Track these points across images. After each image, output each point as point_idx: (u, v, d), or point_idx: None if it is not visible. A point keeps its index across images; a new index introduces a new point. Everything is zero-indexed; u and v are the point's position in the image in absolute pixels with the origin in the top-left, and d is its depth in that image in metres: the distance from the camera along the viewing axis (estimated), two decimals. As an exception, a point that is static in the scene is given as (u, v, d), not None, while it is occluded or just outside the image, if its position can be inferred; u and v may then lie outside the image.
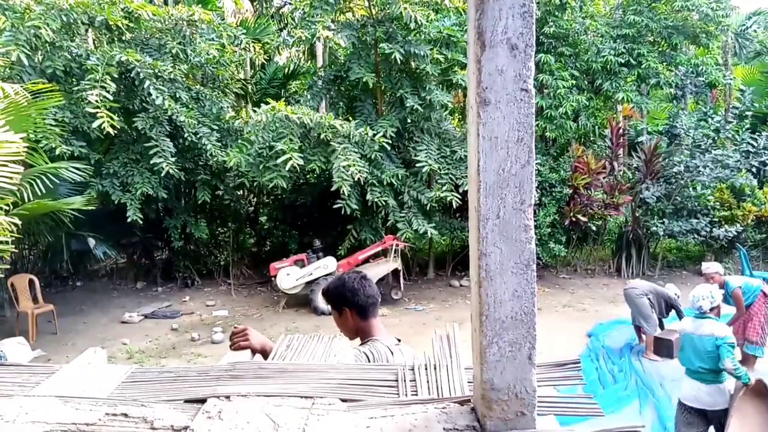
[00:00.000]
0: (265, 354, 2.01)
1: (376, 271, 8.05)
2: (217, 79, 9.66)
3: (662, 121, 13.15)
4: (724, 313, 6.35)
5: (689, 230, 9.68)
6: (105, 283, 10.18)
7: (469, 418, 1.27)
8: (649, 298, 6.35)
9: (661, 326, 6.55)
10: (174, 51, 8.37)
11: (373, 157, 8.05)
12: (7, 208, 5.21)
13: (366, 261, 8.55)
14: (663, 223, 9.77)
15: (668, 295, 6.53)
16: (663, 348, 6.27)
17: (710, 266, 5.81)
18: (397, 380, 1.51)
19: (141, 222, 8.09)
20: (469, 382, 1.44)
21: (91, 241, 8.31)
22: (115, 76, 7.33)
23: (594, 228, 10.10)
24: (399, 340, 2.08)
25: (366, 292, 2.02)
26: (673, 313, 6.56)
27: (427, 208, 8.67)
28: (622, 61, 10.07)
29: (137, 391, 1.52)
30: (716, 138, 10.38)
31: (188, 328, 7.81)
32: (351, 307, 2.07)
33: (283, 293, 8.54)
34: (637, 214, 10.28)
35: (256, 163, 8.06)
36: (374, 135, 7.95)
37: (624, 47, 10.14)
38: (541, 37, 9.88)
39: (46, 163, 6.27)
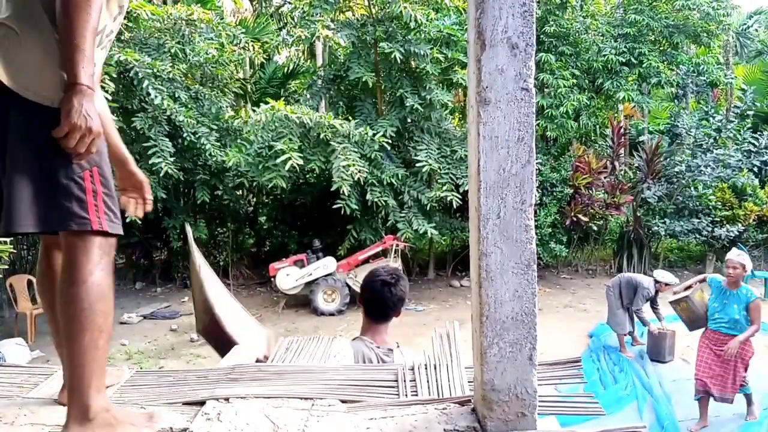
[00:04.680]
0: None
1: (376, 271, 8.04)
2: (216, 78, 9.65)
3: (663, 121, 13.14)
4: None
5: (691, 230, 9.68)
6: (105, 284, 10.17)
7: (469, 418, 1.27)
8: (620, 291, 6.23)
9: (631, 317, 6.30)
10: (173, 50, 8.36)
11: (373, 156, 8.04)
12: (7, 208, 5.20)
13: (366, 261, 8.54)
14: (664, 222, 9.77)
15: (635, 282, 6.14)
16: (654, 347, 6.09)
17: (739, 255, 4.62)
18: (397, 381, 1.50)
19: (140, 222, 8.06)
20: (469, 381, 1.44)
21: (91, 242, 8.30)
22: (114, 75, 7.31)
23: (595, 228, 10.10)
24: (398, 345, 2.06)
25: (368, 290, 2.01)
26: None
27: (428, 208, 8.66)
28: (623, 60, 10.06)
29: (136, 393, 1.51)
30: (717, 137, 10.37)
31: (187, 329, 7.80)
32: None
33: (282, 294, 8.53)
34: (639, 214, 10.27)
35: (255, 163, 8.06)
36: (374, 134, 7.94)
37: (625, 46, 10.13)
38: (541, 36, 9.87)
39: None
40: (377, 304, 1.98)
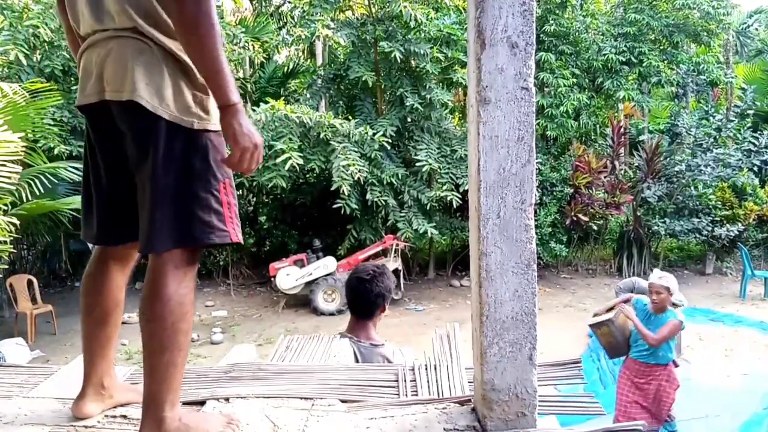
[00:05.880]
0: None
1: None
2: (217, 78, 9.63)
3: (663, 120, 13.13)
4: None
5: (691, 229, 9.67)
6: (105, 283, 10.15)
7: (469, 418, 1.27)
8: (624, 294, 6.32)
9: None
10: (173, 50, 8.34)
11: (372, 156, 8.04)
12: (6, 208, 5.21)
13: (366, 261, 8.54)
14: (664, 222, 9.76)
15: (644, 288, 6.30)
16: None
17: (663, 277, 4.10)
18: (397, 380, 1.50)
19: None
20: (469, 381, 1.44)
21: (91, 241, 8.29)
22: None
23: (595, 227, 10.08)
24: (385, 341, 2.09)
25: (348, 288, 2.06)
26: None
27: (428, 207, 8.66)
28: (623, 60, 10.05)
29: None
30: (718, 137, 10.36)
31: (188, 328, 7.79)
32: None
33: (282, 293, 8.53)
34: (639, 214, 10.26)
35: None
36: (374, 134, 7.94)
37: (625, 45, 10.13)
38: (541, 35, 9.86)
39: (45, 163, 6.26)
40: (356, 301, 2.02)
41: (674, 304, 6.06)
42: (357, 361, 1.88)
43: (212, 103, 1.22)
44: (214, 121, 1.22)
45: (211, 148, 1.20)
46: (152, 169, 1.15)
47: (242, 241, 1.27)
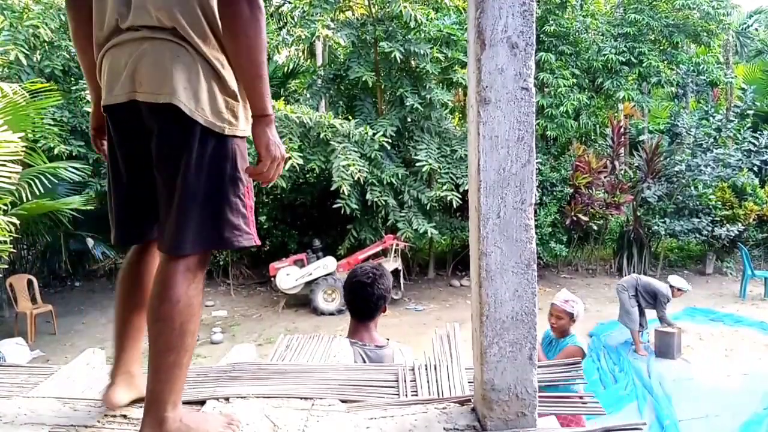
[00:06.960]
0: None
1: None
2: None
3: (663, 120, 13.13)
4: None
5: (691, 229, 9.67)
6: (104, 284, 10.16)
7: (469, 418, 1.27)
8: (636, 292, 6.31)
9: (642, 314, 6.39)
10: (173, 50, 8.34)
11: (372, 156, 8.04)
12: (6, 207, 5.21)
13: (366, 261, 8.54)
14: (664, 222, 9.76)
15: (655, 288, 6.23)
16: (663, 346, 6.22)
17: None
18: (397, 380, 1.50)
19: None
20: (469, 381, 1.44)
21: (90, 241, 8.30)
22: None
23: (595, 227, 10.08)
24: (388, 340, 2.08)
25: (348, 291, 2.04)
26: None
27: (428, 207, 8.66)
28: (623, 60, 10.06)
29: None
30: (718, 137, 10.37)
31: (188, 328, 7.78)
32: None
33: (282, 293, 8.53)
34: (639, 214, 10.27)
35: (254, 163, 8.05)
36: (374, 134, 7.94)
37: (625, 46, 10.13)
38: (541, 35, 9.87)
39: (45, 163, 6.26)
40: (357, 304, 2.01)
41: (679, 289, 6.14)
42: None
43: (240, 110, 1.24)
44: (241, 128, 1.25)
45: (238, 154, 1.24)
46: (184, 173, 1.15)
47: (259, 242, 1.29)
